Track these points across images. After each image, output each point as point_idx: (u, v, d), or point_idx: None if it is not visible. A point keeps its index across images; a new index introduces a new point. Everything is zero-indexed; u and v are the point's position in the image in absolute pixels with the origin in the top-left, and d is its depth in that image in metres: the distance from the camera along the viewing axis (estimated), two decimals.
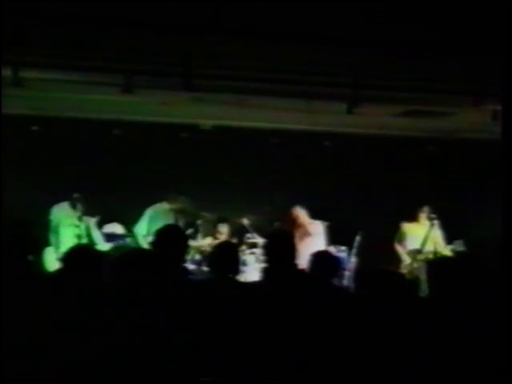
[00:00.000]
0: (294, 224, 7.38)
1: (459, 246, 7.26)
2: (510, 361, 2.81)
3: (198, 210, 7.80)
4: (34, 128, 8.09)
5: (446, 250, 7.22)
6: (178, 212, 7.05)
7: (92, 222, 6.71)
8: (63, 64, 5.48)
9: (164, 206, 7.10)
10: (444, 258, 5.36)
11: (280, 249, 3.74)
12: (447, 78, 5.63)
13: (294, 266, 3.75)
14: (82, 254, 3.44)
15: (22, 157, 7.83)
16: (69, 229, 6.50)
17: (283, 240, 3.85)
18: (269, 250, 3.81)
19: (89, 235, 6.64)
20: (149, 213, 7.01)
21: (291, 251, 3.75)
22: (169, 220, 6.92)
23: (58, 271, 3.48)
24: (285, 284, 3.54)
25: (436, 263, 3.55)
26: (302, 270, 3.87)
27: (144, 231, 6.88)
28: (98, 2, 4.29)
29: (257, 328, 3.22)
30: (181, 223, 6.91)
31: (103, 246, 6.63)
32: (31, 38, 4.93)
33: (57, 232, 6.49)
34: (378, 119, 7.55)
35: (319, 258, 4.05)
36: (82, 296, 3.14)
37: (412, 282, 3.42)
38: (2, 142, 6.71)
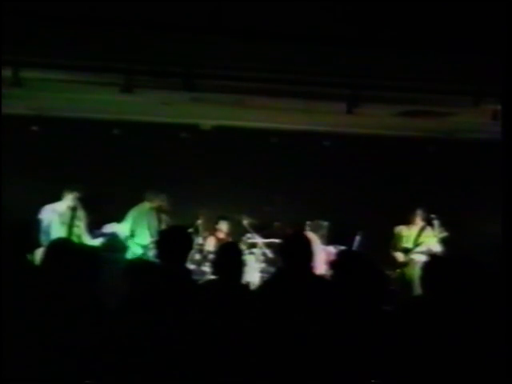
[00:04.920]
0: None
1: (442, 232, 7.27)
2: (510, 362, 2.80)
3: (198, 210, 7.82)
4: (34, 128, 8.11)
5: (438, 248, 7.21)
6: (159, 210, 7.06)
7: (82, 222, 6.69)
8: (63, 64, 5.48)
9: (145, 205, 7.10)
10: (439, 258, 5.34)
11: (296, 251, 3.71)
12: (447, 78, 5.62)
13: (310, 268, 3.72)
14: (63, 247, 3.39)
15: (21, 157, 7.84)
16: (60, 228, 6.44)
17: (300, 242, 3.79)
18: (285, 252, 3.75)
19: (79, 235, 6.57)
20: (132, 213, 7.02)
21: (308, 254, 3.72)
22: (152, 219, 6.96)
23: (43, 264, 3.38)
24: (299, 286, 3.51)
25: (430, 263, 3.53)
26: (318, 275, 3.81)
27: (127, 231, 6.88)
28: (98, 2, 4.29)
29: (269, 330, 3.22)
30: (164, 222, 6.92)
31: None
32: (31, 38, 4.92)
33: (48, 232, 6.26)
34: (377, 119, 7.56)
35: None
36: (83, 296, 3.14)
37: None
38: (2, 142, 6.70)
